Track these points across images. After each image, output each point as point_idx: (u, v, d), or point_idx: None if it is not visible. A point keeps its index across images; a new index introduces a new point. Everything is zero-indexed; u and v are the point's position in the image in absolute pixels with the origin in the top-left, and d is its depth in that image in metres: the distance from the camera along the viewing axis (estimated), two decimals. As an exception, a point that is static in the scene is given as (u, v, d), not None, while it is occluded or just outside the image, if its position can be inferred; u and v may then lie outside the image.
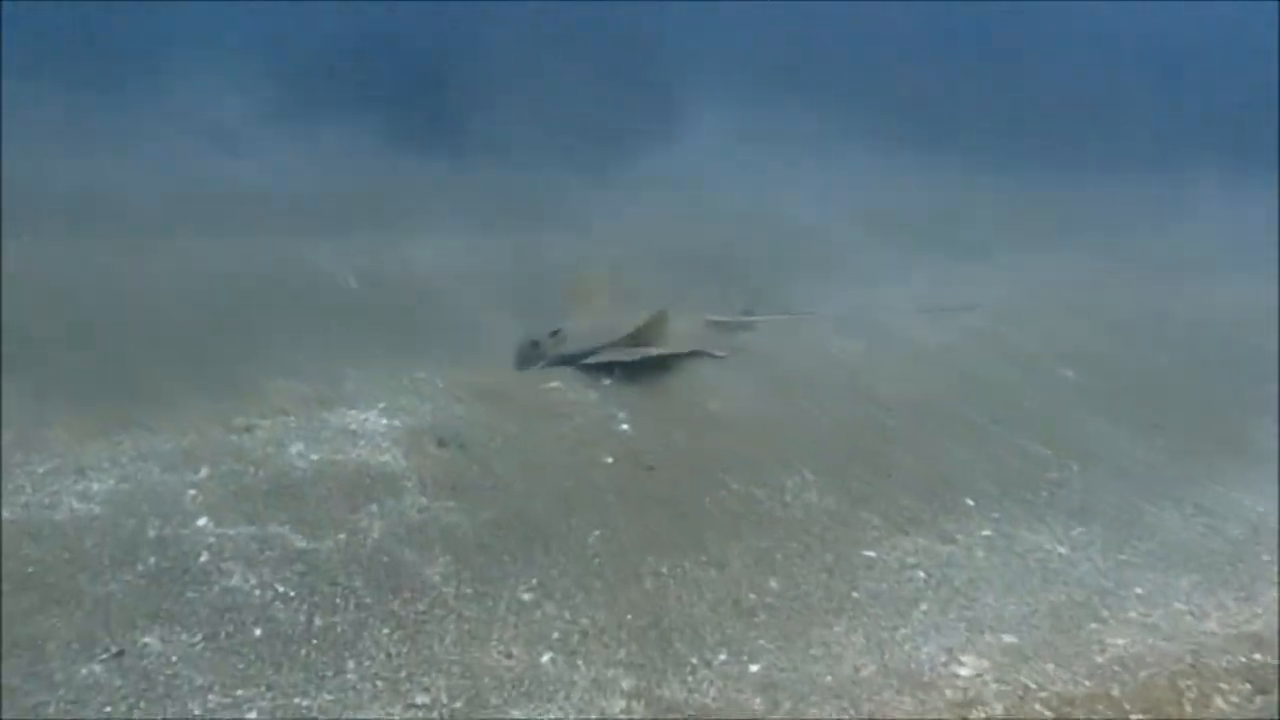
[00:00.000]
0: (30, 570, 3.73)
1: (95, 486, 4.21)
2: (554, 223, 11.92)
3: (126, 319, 7.10)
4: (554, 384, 5.86)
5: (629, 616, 4.29)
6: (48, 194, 9.70)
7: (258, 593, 3.97)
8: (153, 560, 3.95)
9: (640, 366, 6.27)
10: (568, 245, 10.59)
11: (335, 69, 16.75)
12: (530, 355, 6.79)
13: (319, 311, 8.00)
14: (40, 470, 4.22)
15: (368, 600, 4.07)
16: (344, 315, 8.16)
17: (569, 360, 6.52)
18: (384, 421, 5.10)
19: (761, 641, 4.17)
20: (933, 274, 10.84)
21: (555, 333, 6.70)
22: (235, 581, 3.98)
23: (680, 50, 20.22)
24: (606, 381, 6.14)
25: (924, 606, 4.48)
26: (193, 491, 4.32)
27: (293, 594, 4.00)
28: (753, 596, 4.53)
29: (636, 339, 6.53)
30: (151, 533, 4.06)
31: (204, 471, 4.47)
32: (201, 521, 4.19)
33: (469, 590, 4.26)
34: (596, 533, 4.72)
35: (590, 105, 17.31)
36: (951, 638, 4.28)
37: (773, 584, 4.62)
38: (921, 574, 4.73)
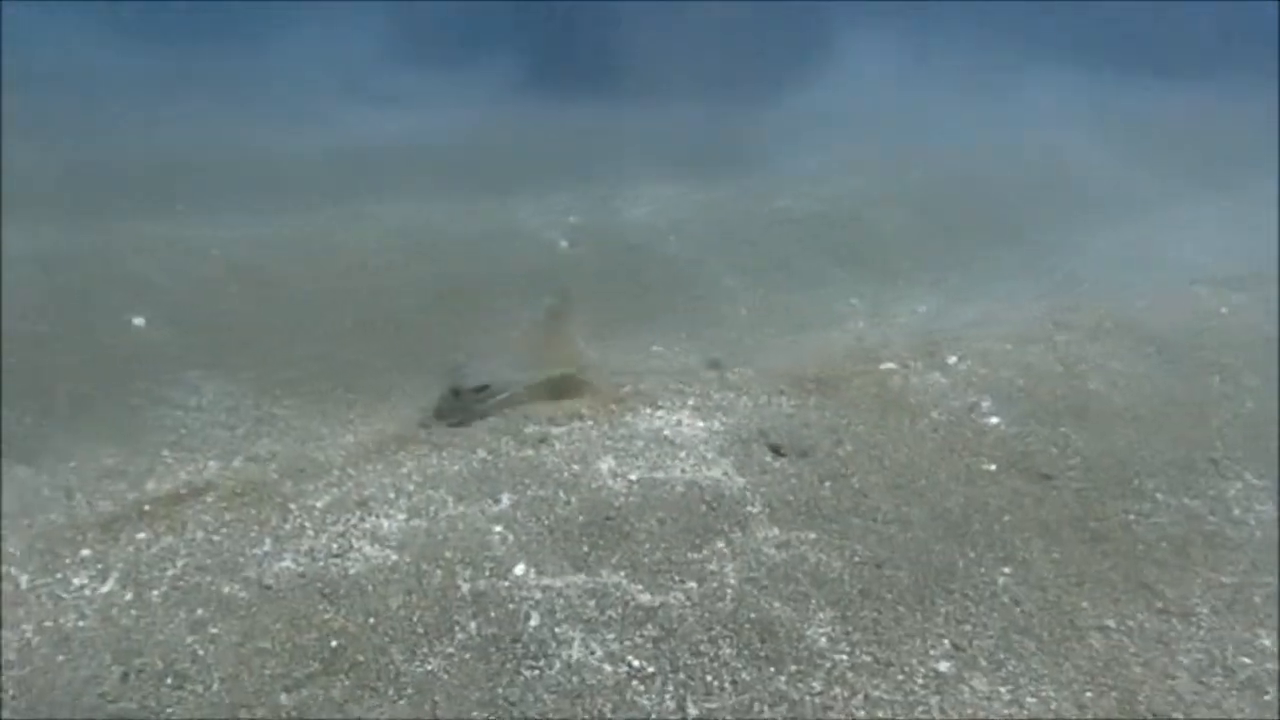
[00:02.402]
0: (335, 645, 2.93)
1: (385, 524, 3.38)
2: (757, 165, 10.73)
3: (331, 300, 6.43)
4: (888, 365, 4.74)
5: (1088, 694, 3.16)
6: (209, 163, 9.22)
7: (608, 669, 3.05)
8: (474, 626, 3.09)
9: None
10: (787, 189, 9.38)
11: (471, 8, 15.84)
12: (451, 407, 5.15)
13: (535, 280, 7.14)
14: (318, 505, 3.42)
15: (745, 676, 3.09)
16: (567, 283, 7.28)
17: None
18: (700, 424, 4.08)
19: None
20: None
21: (482, 389, 5.02)
22: (577, 653, 3.08)
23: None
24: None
25: None
26: (498, 528, 3.44)
27: (651, 669, 3.06)
28: (1246, 661, 3.33)
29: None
30: (464, 586, 3.20)
31: (505, 500, 3.58)
32: (519, 570, 3.31)
33: (866, 657, 3.22)
34: (1005, 570, 3.58)
35: (749, 36, 15.89)
36: None
37: (1265, 642, 3.40)
38: None
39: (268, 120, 11.30)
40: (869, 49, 17.31)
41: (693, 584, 3.30)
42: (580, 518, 3.48)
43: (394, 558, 3.19)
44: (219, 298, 6.03)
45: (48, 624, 2.75)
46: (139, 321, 5.73)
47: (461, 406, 5.15)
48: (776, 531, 3.55)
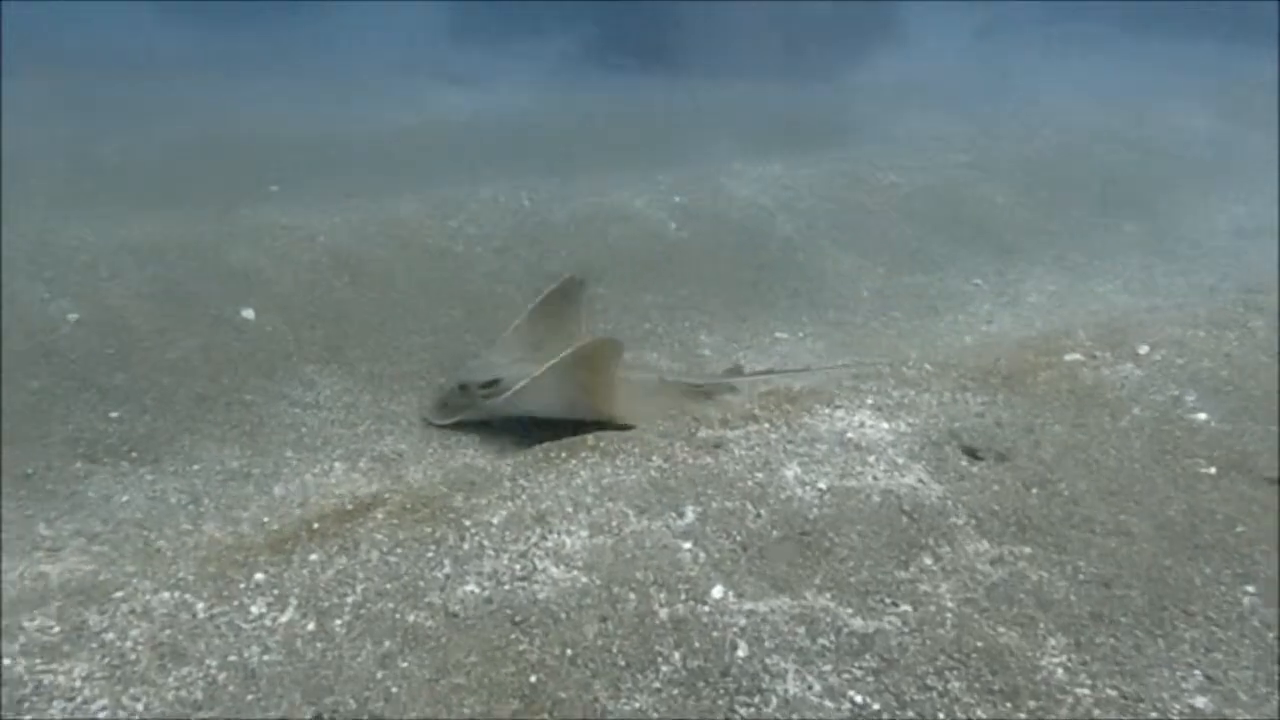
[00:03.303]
0: (534, 680, 2.67)
1: (567, 542, 3.11)
2: (851, 139, 10.26)
3: (438, 288, 6.15)
4: (1074, 356, 4.37)
5: (1369, 734, 2.82)
6: (291, 145, 8.98)
7: (830, 704, 2.76)
8: (677, 657, 2.82)
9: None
10: (889, 164, 8.92)
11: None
12: (455, 403, 4.88)
13: (647, 265, 6.83)
14: (494, 521, 3.16)
15: (981, 715, 2.78)
16: (681, 267, 6.98)
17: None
18: (884, 425, 3.73)
19: None
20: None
21: (491, 384, 4.70)
22: (793, 688, 2.80)
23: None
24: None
25: None
26: (687, 545, 3.16)
27: (876, 705, 2.77)
28: None
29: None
30: (661, 611, 2.93)
31: (689, 513, 3.29)
32: (717, 592, 3.02)
33: (1110, 691, 2.88)
34: (1248, 590, 3.22)
35: (820, 9, 15.30)
36: None
37: None
38: None
39: (341, 102, 11.08)
40: (942, 18, 16.64)
41: (906, 607, 2.99)
42: (774, 532, 3.18)
43: (583, 580, 2.93)
44: (326, 287, 5.82)
45: (232, 658, 2.54)
46: (248, 313, 5.52)
47: (467, 403, 4.80)
48: (987, 545, 3.23)
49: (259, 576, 2.80)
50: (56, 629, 2.60)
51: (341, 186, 7.78)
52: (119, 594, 2.72)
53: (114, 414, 4.78)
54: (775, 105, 11.97)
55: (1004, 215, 8.33)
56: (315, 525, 2.99)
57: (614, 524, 3.14)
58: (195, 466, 4.49)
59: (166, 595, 2.72)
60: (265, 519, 3.31)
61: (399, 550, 2.93)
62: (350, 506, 3.12)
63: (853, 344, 6.18)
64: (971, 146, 9.95)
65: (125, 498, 4.23)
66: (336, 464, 4.65)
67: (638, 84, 12.71)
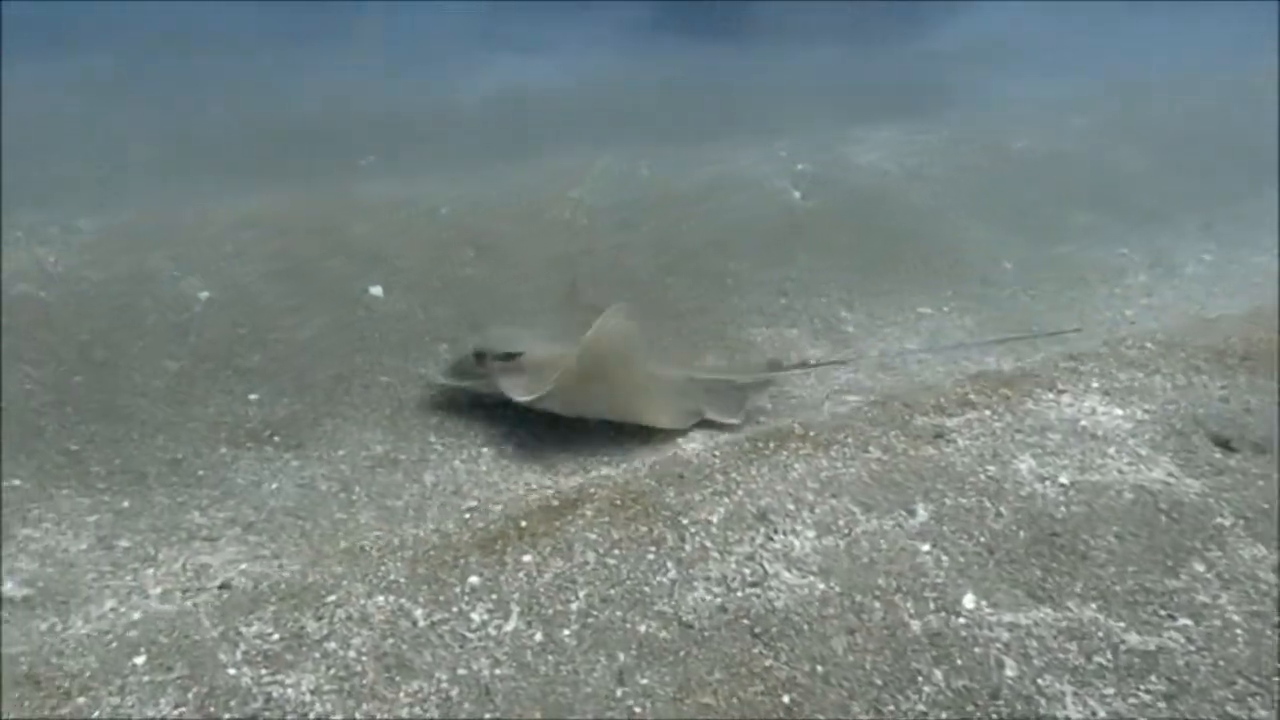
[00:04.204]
0: (788, 701, 2.32)
1: (796, 544, 2.82)
2: (966, 103, 9.74)
3: (562, 263, 5.88)
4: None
5: None
6: (380, 117, 8.75)
7: (1119, 733, 2.48)
8: (939, 676, 2.51)
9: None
10: (1014, 129, 8.41)
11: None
12: (467, 370, 4.51)
13: (776, 237, 6.48)
14: (712, 519, 2.89)
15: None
16: (811, 238, 6.61)
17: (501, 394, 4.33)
18: (1118, 412, 3.36)
19: None
20: None
21: (511, 356, 4.37)
22: (1074, 713, 2.50)
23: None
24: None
25: None
26: (926, 547, 2.84)
27: (1173, 735, 2.48)
28: None
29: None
30: (913, 623, 2.61)
31: (921, 511, 2.96)
32: (969, 601, 2.70)
33: None
34: None
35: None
36: None
37: None
38: None
39: (409, 72, 10.83)
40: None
41: (1186, 620, 2.66)
42: (1020, 533, 2.86)
43: (820, 586, 2.64)
44: (452, 262, 5.58)
45: (462, 672, 2.30)
46: (376, 290, 5.31)
47: (479, 373, 4.42)
48: (1263, 550, 2.87)
49: (474, 580, 2.57)
50: (276, 636, 2.39)
51: (441, 158, 7.57)
52: (332, 598, 2.50)
53: (253, 396, 4.60)
54: (860, 71, 11.44)
55: (1142, 181, 7.80)
56: (523, 523, 2.74)
57: (842, 523, 2.85)
58: (340, 452, 4.29)
59: (381, 600, 2.49)
60: (468, 516, 3.08)
61: (616, 552, 2.67)
62: (556, 502, 2.87)
63: (1003, 318, 5.77)
64: (1096, 109, 9.38)
65: (274, 484, 4.04)
66: (484, 449, 4.44)
67: (705, 51, 12.23)
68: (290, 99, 9.40)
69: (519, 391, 4.19)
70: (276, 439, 4.30)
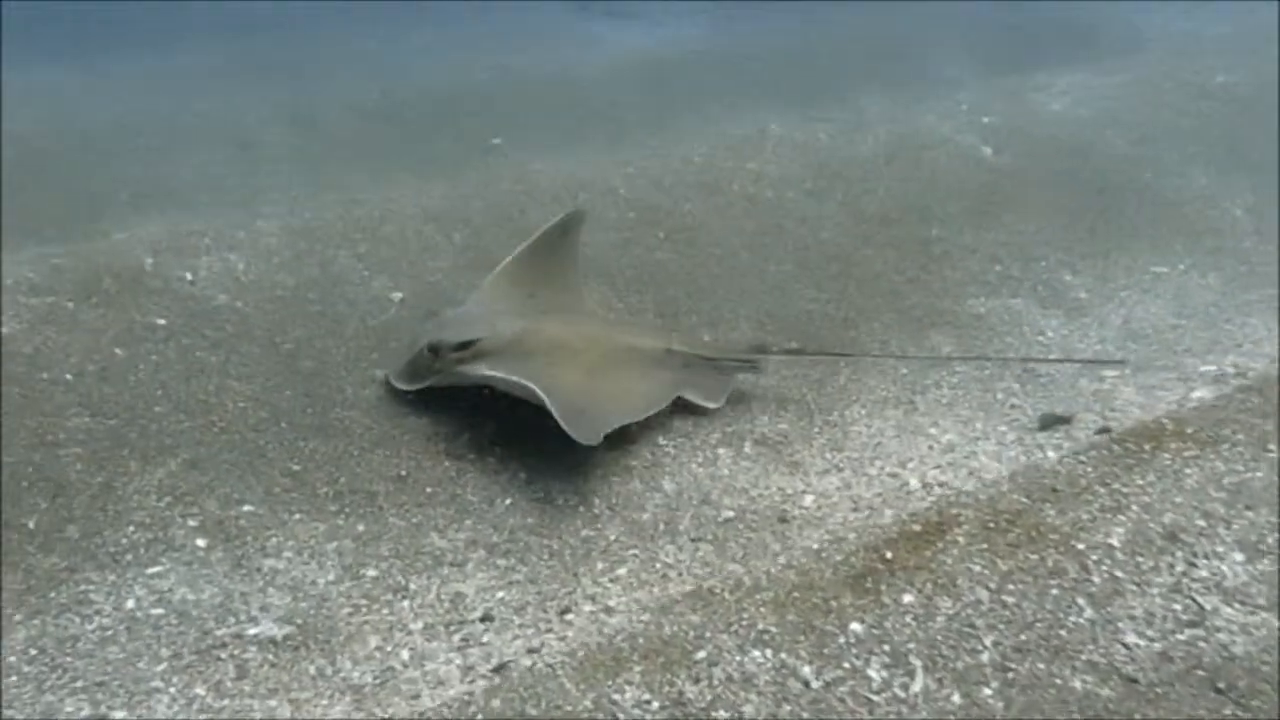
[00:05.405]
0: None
1: (1224, 570, 2.34)
2: (1133, 39, 8.90)
3: (753, 240, 5.42)
4: None
5: None
6: (497, 93, 8.38)
7: None
8: None
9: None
10: (1203, 63, 7.64)
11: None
12: (421, 368, 4.05)
13: (973, 197, 5.89)
14: (1112, 543, 2.39)
15: None
16: (1012, 197, 6.01)
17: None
18: None
19: None
20: None
21: (467, 344, 3.92)
22: None
23: None
24: None
25: None
26: (1385, 567, 2.38)
27: None
28: None
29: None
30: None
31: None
32: None
33: None
34: None
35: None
36: None
37: None
38: None
39: (517, 43, 10.40)
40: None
41: None
42: None
43: (1275, 623, 2.19)
44: (642, 247, 5.17)
45: (883, 750, 1.94)
46: (570, 280, 4.99)
47: (439, 368, 3.95)
48: None
49: (856, 627, 2.17)
50: (655, 704, 2.05)
51: (579, 134, 7.18)
52: (701, 654, 2.14)
53: (463, 403, 4.34)
54: (1011, 13, 10.61)
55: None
56: (887, 554, 2.35)
57: (1270, 541, 2.38)
58: (566, 460, 3.98)
59: (758, 655, 2.13)
60: (817, 548, 2.68)
61: (1011, 588, 2.24)
62: (918, 528, 2.46)
63: (1251, 272, 5.14)
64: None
65: (507, 500, 3.70)
66: (719, 450, 4.06)
67: (811, 6, 11.45)
68: (394, 79, 9.06)
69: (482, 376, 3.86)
70: (499, 449, 4.00)
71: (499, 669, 2.91)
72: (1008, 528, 2.42)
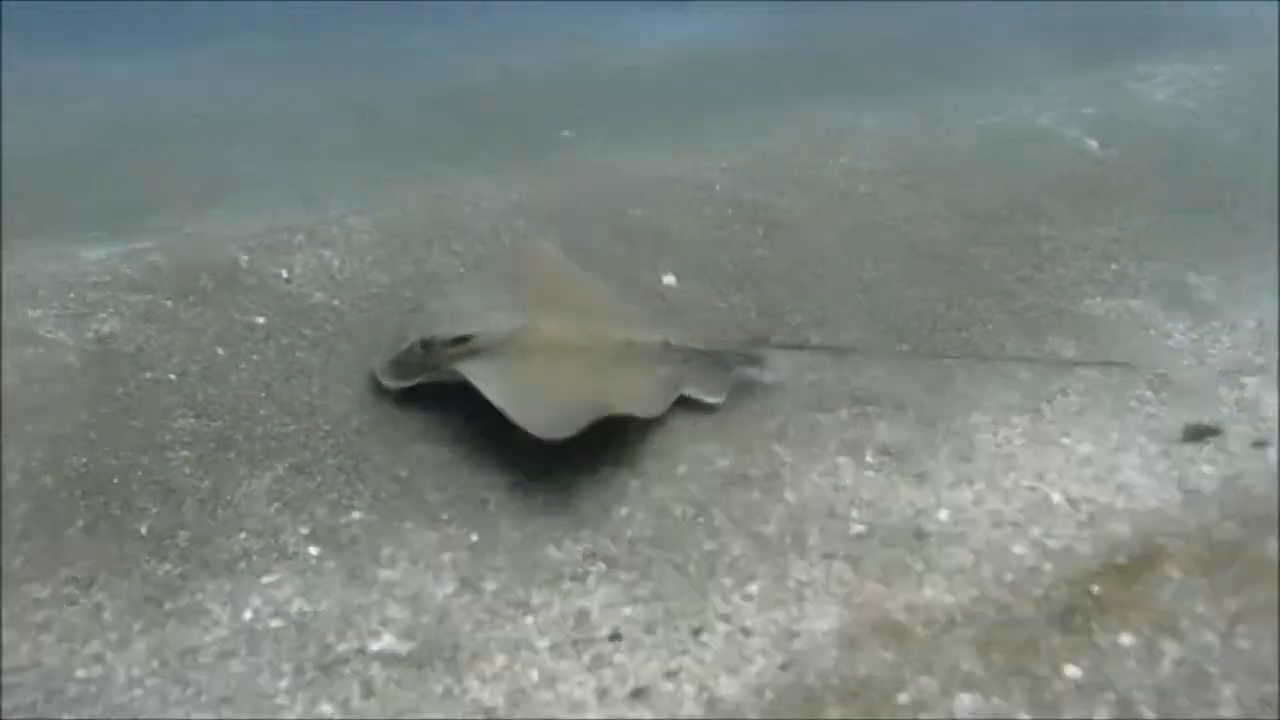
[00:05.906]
0: None
1: None
2: (1239, 32, 8.53)
3: (856, 237, 5.19)
4: None
5: None
6: (561, 86, 8.21)
7: None
8: None
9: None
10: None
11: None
12: (411, 364, 3.85)
13: (1082, 193, 5.65)
14: None
15: None
16: (1122, 192, 5.72)
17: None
18: None
19: None
20: None
21: (461, 340, 3.76)
22: None
23: None
24: None
25: None
26: None
27: None
28: None
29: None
30: None
31: None
32: None
33: None
34: None
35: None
36: None
37: None
38: None
39: (573, 33, 10.19)
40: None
41: None
42: None
43: None
44: (741, 244, 4.98)
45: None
46: (670, 280, 4.75)
47: (430, 363, 3.77)
48: None
49: (1072, 672, 1.99)
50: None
51: (651, 126, 6.99)
52: (903, 698, 1.98)
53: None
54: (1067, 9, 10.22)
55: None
56: (1094, 589, 2.16)
57: None
58: (680, 468, 3.71)
59: (968, 700, 1.96)
60: (1011, 578, 2.49)
61: (1243, 629, 2.05)
62: (1123, 561, 2.27)
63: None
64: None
65: (623, 509, 3.53)
66: (839, 459, 3.87)
67: (852, 7, 11.06)
68: (453, 69, 8.93)
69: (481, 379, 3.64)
70: (608, 455, 3.85)
71: (637, 694, 2.78)
72: (1228, 562, 2.21)
